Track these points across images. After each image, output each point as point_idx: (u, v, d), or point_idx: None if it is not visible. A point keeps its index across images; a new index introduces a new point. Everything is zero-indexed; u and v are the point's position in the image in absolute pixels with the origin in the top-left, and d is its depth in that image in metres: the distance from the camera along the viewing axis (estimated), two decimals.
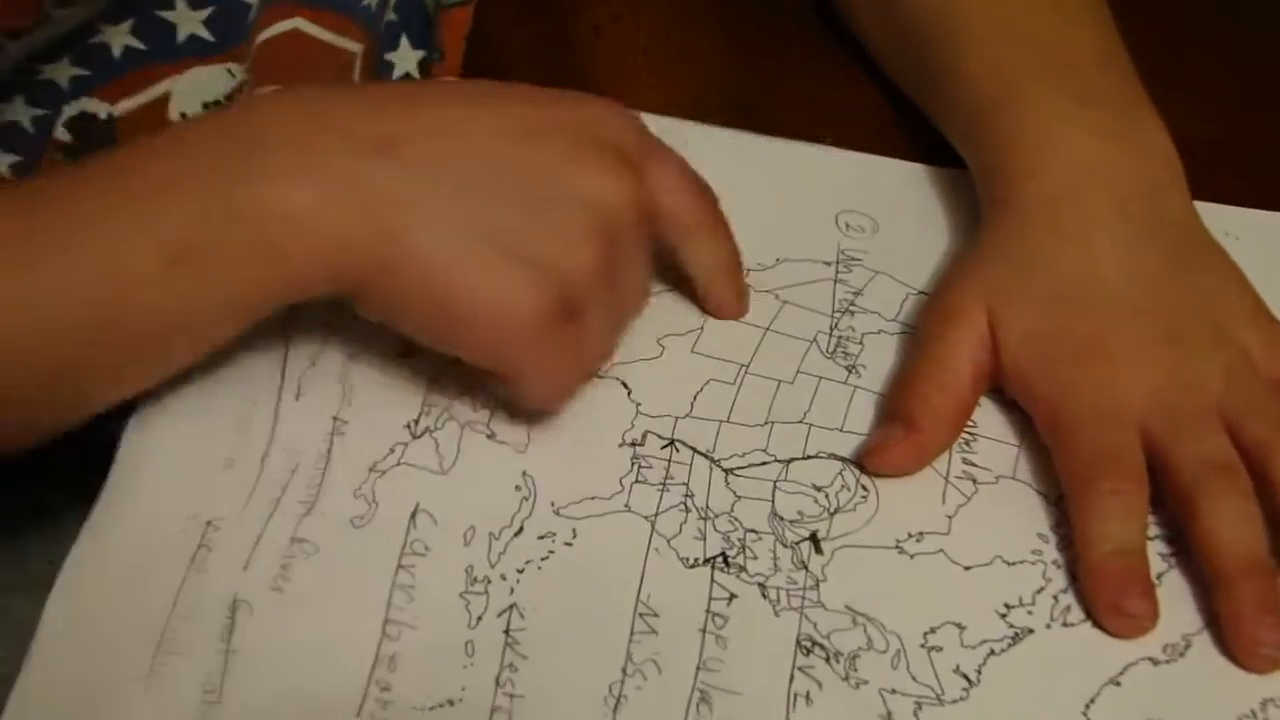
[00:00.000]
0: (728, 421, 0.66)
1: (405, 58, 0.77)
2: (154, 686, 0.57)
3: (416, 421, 0.65)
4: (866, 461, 0.64)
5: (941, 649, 0.60)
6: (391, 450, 0.64)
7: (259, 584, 0.60)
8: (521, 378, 0.60)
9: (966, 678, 0.59)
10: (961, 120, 0.73)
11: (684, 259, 0.66)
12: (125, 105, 0.69)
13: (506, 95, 0.60)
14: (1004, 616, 0.61)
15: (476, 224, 0.56)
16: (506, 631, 0.59)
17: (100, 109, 0.68)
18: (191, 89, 0.69)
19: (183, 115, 0.69)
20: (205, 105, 0.70)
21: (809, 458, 0.65)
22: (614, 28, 0.85)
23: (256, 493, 0.62)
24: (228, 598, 0.59)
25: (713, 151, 0.73)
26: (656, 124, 0.73)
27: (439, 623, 0.59)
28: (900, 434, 0.64)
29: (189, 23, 0.68)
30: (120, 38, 0.67)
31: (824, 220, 0.73)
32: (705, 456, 0.65)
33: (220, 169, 0.54)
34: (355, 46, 0.74)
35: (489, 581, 0.61)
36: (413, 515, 0.62)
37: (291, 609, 0.59)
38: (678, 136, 0.72)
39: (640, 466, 0.64)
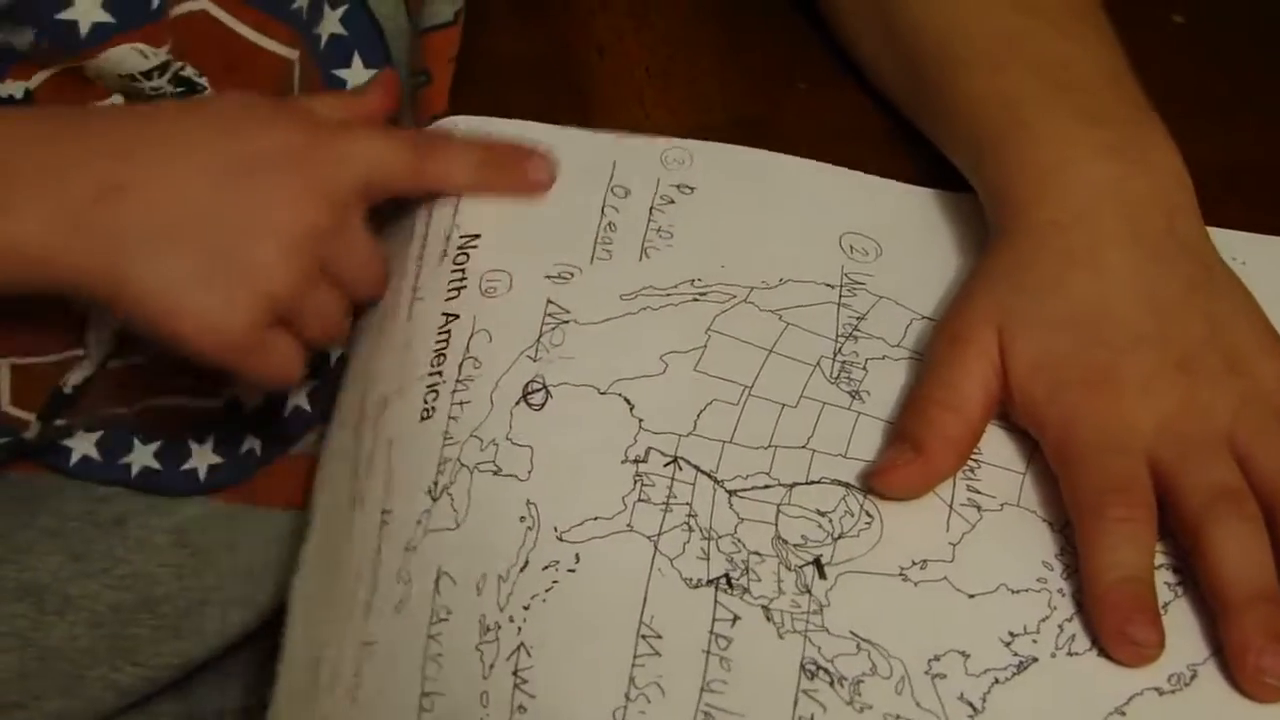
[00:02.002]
0: (731, 442, 0.66)
1: (358, 75, 0.77)
2: None
3: (435, 484, 0.64)
4: (874, 482, 0.64)
5: (946, 676, 0.60)
6: (419, 523, 0.64)
7: (339, 699, 0.61)
8: (241, 372, 0.67)
9: (971, 705, 0.59)
10: (967, 146, 0.73)
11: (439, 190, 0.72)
12: (40, 77, 0.70)
13: (216, 137, 0.67)
14: (1008, 645, 0.61)
15: (184, 265, 0.64)
16: (515, 673, 0.59)
17: (16, 89, 0.70)
18: (104, 67, 0.70)
19: (98, 76, 0.71)
20: (120, 77, 0.71)
21: (812, 483, 0.65)
22: (617, 47, 0.85)
23: (341, 612, 0.63)
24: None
25: (718, 168, 0.74)
26: (662, 144, 0.74)
27: (460, 681, 0.60)
28: (909, 456, 0.64)
29: (90, 12, 0.68)
30: (24, 38, 0.68)
31: (828, 242, 0.73)
32: (709, 476, 0.64)
33: None
34: (286, 52, 0.75)
35: (499, 627, 0.60)
36: (436, 581, 0.62)
37: (360, 709, 0.60)
38: (682, 154, 0.73)
39: (643, 485, 0.64)
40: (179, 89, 0.73)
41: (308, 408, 0.80)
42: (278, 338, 0.67)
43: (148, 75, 0.70)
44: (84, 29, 0.68)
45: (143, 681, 0.80)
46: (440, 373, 0.67)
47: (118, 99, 0.71)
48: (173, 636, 0.80)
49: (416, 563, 0.63)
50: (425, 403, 0.67)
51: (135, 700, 0.81)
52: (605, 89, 0.83)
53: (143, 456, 0.80)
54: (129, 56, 0.70)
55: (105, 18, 0.68)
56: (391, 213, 0.74)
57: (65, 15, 0.68)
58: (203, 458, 0.80)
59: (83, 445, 0.79)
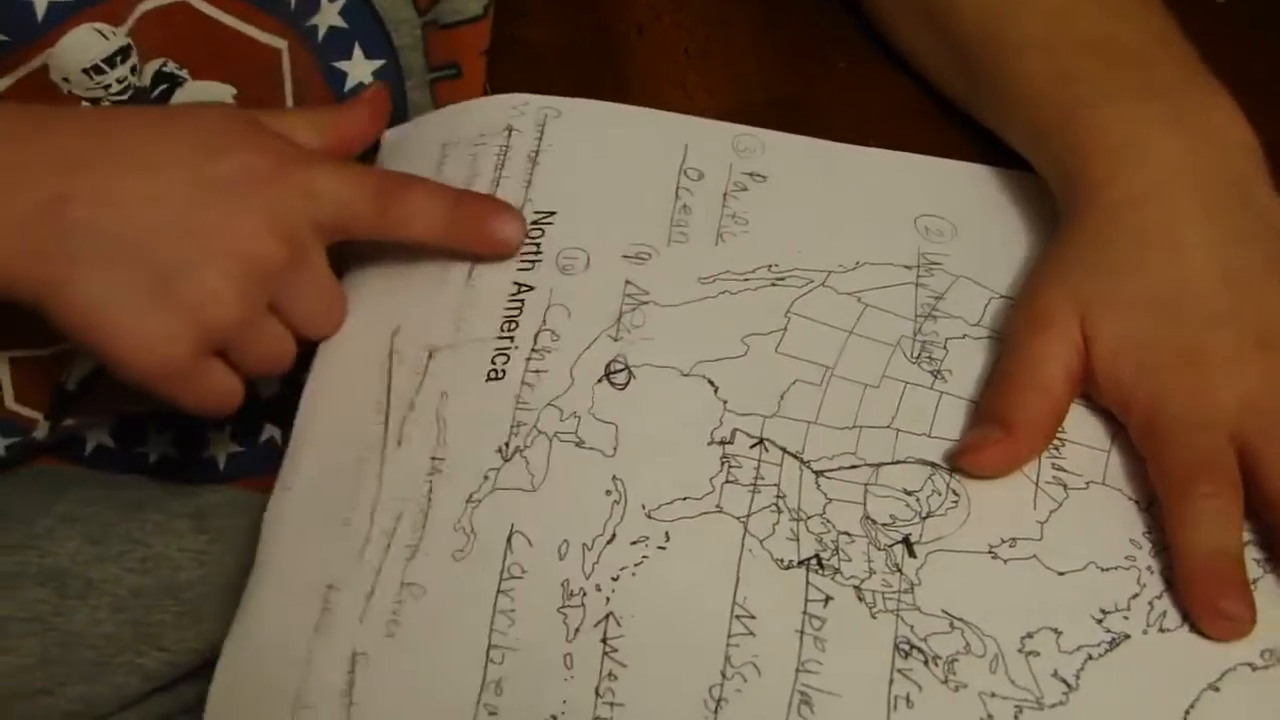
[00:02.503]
0: (815, 423, 0.66)
1: (359, 66, 0.78)
2: None
3: (507, 444, 0.65)
4: (961, 461, 0.64)
5: (1039, 654, 0.60)
6: (485, 478, 0.64)
7: (374, 634, 0.61)
8: (172, 399, 0.65)
9: (1065, 682, 0.59)
10: (1027, 130, 0.73)
11: (402, 240, 0.69)
12: (5, 83, 0.70)
13: (175, 155, 0.65)
14: (1100, 622, 0.61)
15: (125, 286, 0.62)
16: (604, 641, 0.60)
17: None
18: (65, 55, 0.70)
19: (65, 79, 0.71)
20: (85, 71, 0.71)
21: (898, 462, 0.65)
22: (655, 27, 0.85)
23: (368, 547, 0.63)
24: (347, 653, 0.60)
25: (789, 158, 0.74)
26: (734, 129, 0.74)
27: (538, 641, 0.60)
28: (997, 435, 0.64)
29: None
30: None
31: (903, 224, 0.73)
32: (795, 457, 0.65)
33: None
34: (276, 42, 0.75)
35: (585, 593, 0.61)
36: (508, 539, 0.62)
37: (403, 652, 0.60)
38: (754, 142, 0.73)
39: (730, 466, 0.64)
40: (160, 85, 0.73)
41: None
42: (214, 367, 0.65)
43: (110, 63, 0.70)
44: (40, 10, 0.69)
45: (167, 667, 0.80)
46: (512, 338, 0.68)
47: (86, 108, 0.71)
48: (196, 622, 0.80)
49: (482, 516, 0.63)
50: (494, 364, 0.67)
51: (161, 684, 0.81)
52: (644, 70, 0.83)
53: (160, 445, 0.81)
54: (89, 39, 0.70)
55: None
56: None
57: None
58: (221, 446, 0.81)
59: (97, 434, 0.80)
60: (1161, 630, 0.61)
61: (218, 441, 0.82)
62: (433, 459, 0.65)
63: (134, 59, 0.72)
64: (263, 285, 0.65)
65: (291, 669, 0.61)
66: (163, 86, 0.74)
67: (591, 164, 0.74)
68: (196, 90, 0.75)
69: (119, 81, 0.72)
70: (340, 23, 0.77)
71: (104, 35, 0.71)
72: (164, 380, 0.64)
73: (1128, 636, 0.61)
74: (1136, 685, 0.60)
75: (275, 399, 0.81)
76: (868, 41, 0.84)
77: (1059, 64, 0.72)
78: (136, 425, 0.80)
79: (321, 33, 0.76)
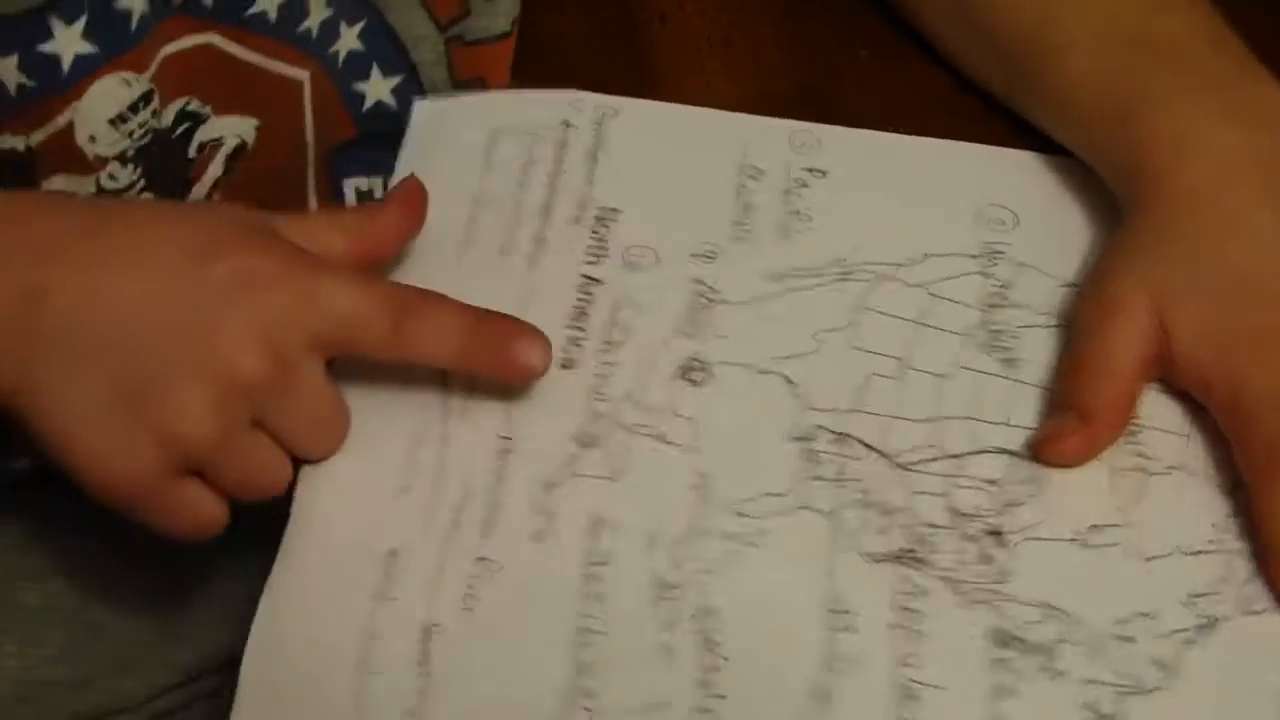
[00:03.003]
0: (895, 416, 0.66)
1: (377, 86, 0.77)
2: (362, 711, 0.57)
3: (584, 432, 0.64)
4: (1040, 452, 0.64)
5: (1135, 639, 0.60)
6: (563, 463, 0.63)
7: (449, 607, 0.60)
8: (145, 521, 0.60)
9: (1163, 666, 0.59)
10: (1080, 129, 0.73)
11: (415, 365, 0.64)
12: (37, 137, 0.69)
13: (167, 253, 0.60)
14: (1192, 606, 0.61)
15: (91, 397, 0.57)
16: (702, 634, 0.59)
17: (18, 142, 0.68)
18: (91, 109, 0.69)
19: (91, 139, 0.70)
20: (110, 122, 0.70)
21: (979, 452, 0.65)
22: (678, 16, 0.85)
23: (435, 518, 0.62)
24: (419, 623, 0.59)
25: (846, 151, 0.74)
26: (790, 125, 0.74)
27: (632, 629, 0.60)
28: (1075, 424, 0.64)
29: (70, 44, 0.66)
30: (10, 74, 0.66)
31: (964, 214, 0.72)
32: (877, 451, 0.64)
33: None
34: (298, 73, 0.75)
35: (677, 586, 0.61)
36: (592, 525, 0.62)
37: (484, 627, 0.60)
38: (810, 138, 0.73)
39: (814, 462, 0.64)
40: (183, 124, 0.73)
41: None
42: (186, 488, 0.60)
43: (134, 109, 0.69)
44: (66, 63, 0.67)
45: (196, 661, 0.80)
46: (582, 328, 0.67)
47: (115, 168, 0.71)
48: (224, 620, 0.79)
49: (561, 500, 0.62)
50: (565, 352, 0.66)
51: (192, 677, 0.81)
52: (667, 58, 0.83)
53: None
54: (116, 89, 0.69)
55: (88, 48, 0.66)
56: None
57: (47, 48, 0.66)
58: None
59: None
60: (1253, 613, 0.61)
61: None
62: (501, 437, 0.64)
63: (155, 103, 0.71)
64: (241, 402, 0.59)
65: (350, 633, 0.59)
66: (185, 125, 0.73)
67: (652, 162, 0.74)
68: (219, 125, 0.75)
69: (140, 126, 0.71)
70: (359, 45, 0.76)
71: (129, 83, 0.69)
72: (128, 500, 0.59)
73: (1220, 620, 0.61)
74: (1232, 668, 0.60)
75: None
76: (890, 30, 0.84)
77: (1111, 62, 0.72)
78: None
79: (341, 58, 0.76)
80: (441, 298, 0.63)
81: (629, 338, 0.67)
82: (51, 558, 0.79)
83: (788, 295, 0.69)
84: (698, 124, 0.75)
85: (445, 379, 0.65)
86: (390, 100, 0.78)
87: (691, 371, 0.66)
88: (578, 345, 0.67)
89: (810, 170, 0.74)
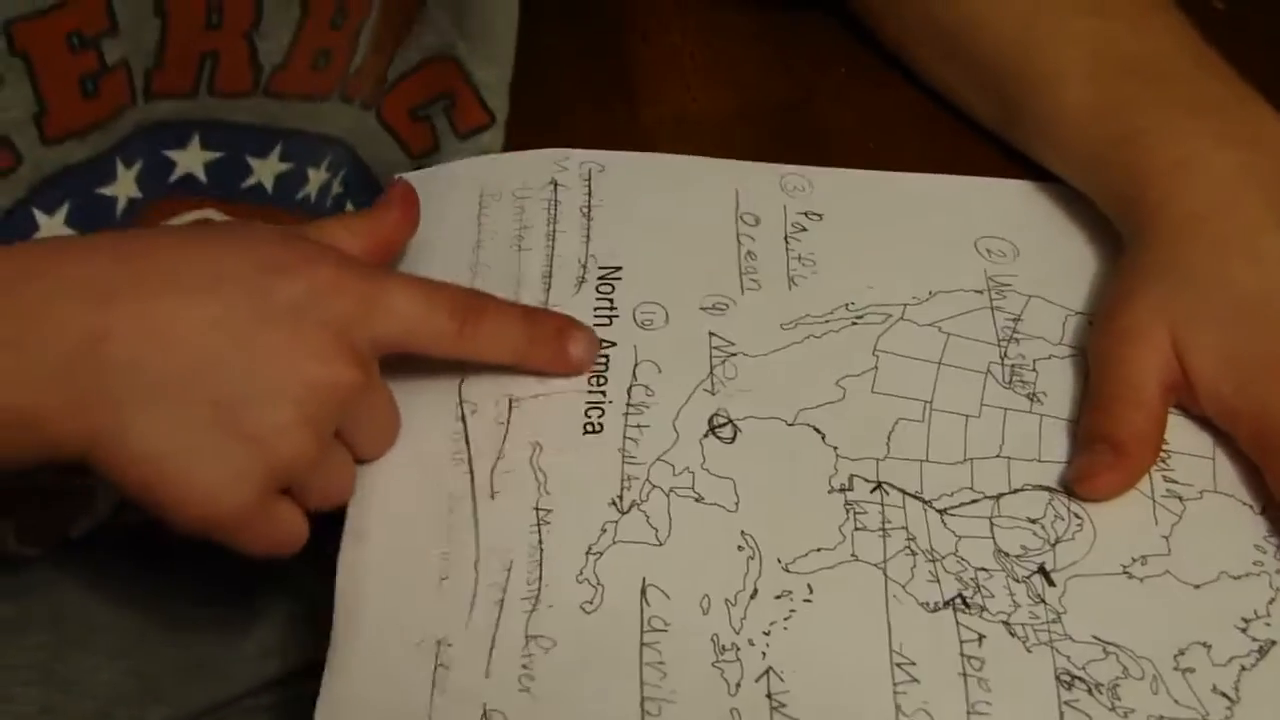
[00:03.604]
0: (927, 460, 0.65)
1: None
2: None
3: (620, 497, 0.63)
4: (1078, 488, 0.63)
5: (1195, 670, 0.59)
6: (604, 530, 0.62)
7: (505, 689, 0.58)
8: (237, 546, 0.59)
9: (1226, 696, 0.59)
10: (1076, 157, 0.73)
11: (474, 361, 0.65)
12: None
13: (228, 274, 0.59)
14: (1244, 630, 0.61)
15: (178, 429, 0.56)
16: (769, 696, 0.58)
17: None
18: None
19: None
20: None
21: (1016, 491, 0.64)
22: (660, 35, 0.85)
23: (478, 599, 0.60)
24: (478, 708, 0.58)
25: (839, 192, 0.74)
26: (779, 169, 0.73)
27: (699, 694, 0.58)
28: (1110, 458, 0.63)
29: (56, 231, 0.65)
30: None
31: (965, 249, 0.72)
32: (915, 498, 0.64)
33: None
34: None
35: (738, 648, 0.59)
36: (643, 592, 0.60)
37: (544, 706, 0.58)
38: (801, 180, 0.72)
39: (855, 513, 0.63)
40: None
41: None
42: (281, 508, 0.59)
43: None
44: None
45: (170, 717, 0.78)
46: (604, 393, 0.66)
47: None
48: (200, 676, 0.78)
49: (607, 568, 0.61)
50: (588, 417, 0.65)
51: None
52: (650, 75, 0.83)
53: None
54: None
55: (69, 234, 0.65)
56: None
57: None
58: None
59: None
60: None
61: None
62: (537, 509, 0.62)
63: None
64: (335, 413, 0.59)
65: None
66: None
67: (647, 216, 0.72)
68: None
69: None
70: (340, 189, 0.75)
71: None
72: (231, 529, 0.58)
73: (1275, 643, 0.60)
74: None
75: None
76: (866, 48, 0.84)
77: (1103, 91, 0.72)
78: None
79: (328, 206, 0.75)
80: (495, 298, 0.64)
81: (653, 399, 0.66)
82: (26, 612, 0.77)
83: (805, 343, 0.68)
84: (685, 173, 0.74)
85: (471, 460, 0.64)
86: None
87: (720, 428, 0.65)
88: (599, 409, 0.65)
89: (806, 214, 0.73)
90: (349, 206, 0.76)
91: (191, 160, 0.69)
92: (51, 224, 0.65)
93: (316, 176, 0.73)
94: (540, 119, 0.79)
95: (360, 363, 0.59)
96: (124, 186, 0.67)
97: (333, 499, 0.61)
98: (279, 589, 0.81)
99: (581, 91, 0.80)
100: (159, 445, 0.56)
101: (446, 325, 0.62)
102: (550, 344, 0.65)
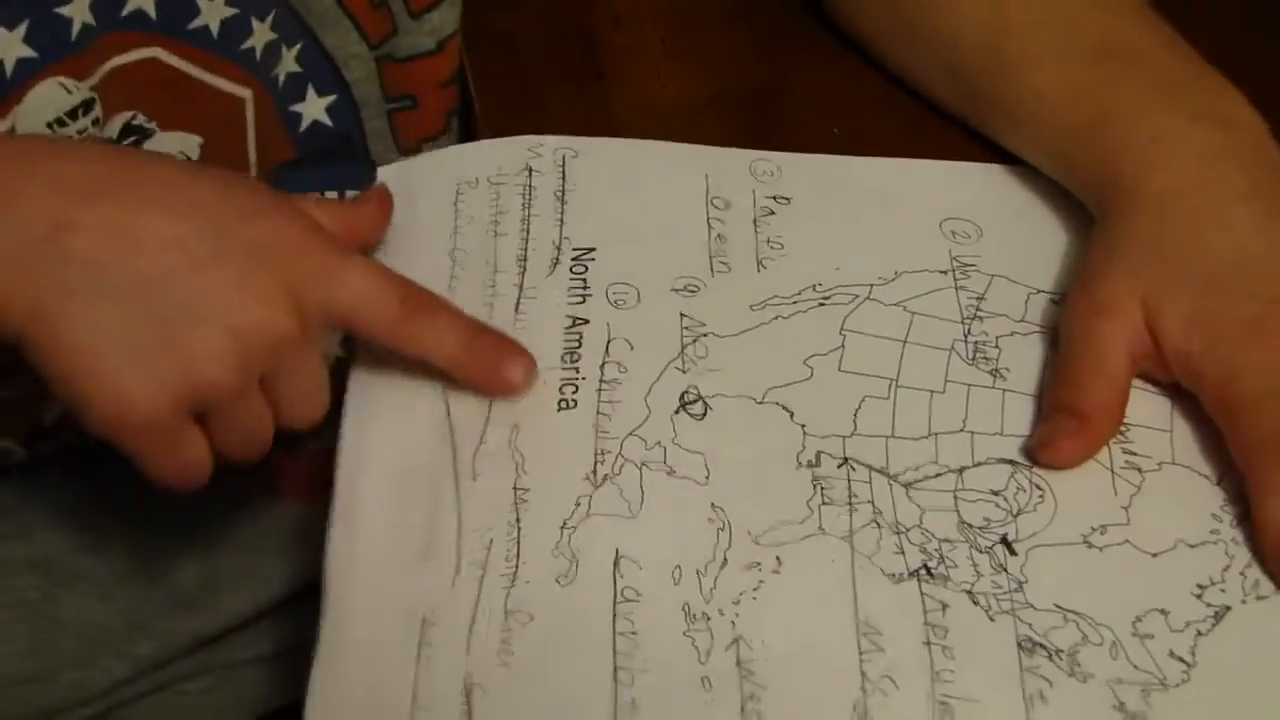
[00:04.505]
0: (892, 436, 0.65)
1: (313, 106, 0.77)
2: None
3: (594, 472, 0.63)
4: (1039, 455, 0.64)
5: (1153, 636, 0.60)
6: (578, 504, 0.62)
7: (486, 663, 0.58)
8: (140, 461, 0.60)
9: (1183, 660, 0.59)
10: (1044, 138, 0.73)
11: (410, 356, 0.65)
12: None
13: (205, 206, 0.60)
14: (1200, 597, 0.61)
15: (118, 328, 0.57)
16: (738, 664, 0.58)
17: None
18: (30, 113, 0.68)
19: None
20: (49, 125, 0.69)
21: (979, 464, 0.65)
22: (631, 20, 0.85)
23: (460, 577, 0.61)
24: (459, 683, 0.58)
25: (807, 177, 0.74)
26: (748, 155, 0.74)
27: (669, 663, 0.58)
28: (1071, 425, 0.64)
29: (12, 48, 0.67)
30: None
31: (930, 230, 0.73)
32: (881, 473, 0.64)
33: None
34: (241, 91, 0.74)
35: (708, 617, 0.60)
36: (615, 563, 0.61)
37: (523, 678, 0.58)
38: (772, 166, 0.73)
39: (823, 488, 0.63)
40: (130, 137, 0.72)
41: None
42: (189, 435, 0.60)
43: (72, 115, 0.69)
44: (9, 67, 0.67)
45: (158, 652, 0.80)
46: (577, 369, 0.66)
47: None
48: (185, 610, 0.80)
49: (581, 540, 0.61)
50: (563, 394, 0.66)
51: (155, 666, 0.81)
52: (621, 60, 0.83)
53: None
54: (54, 93, 0.68)
55: (28, 52, 0.67)
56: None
57: None
58: None
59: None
60: (1259, 599, 0.61)
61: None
62: (515, 489, 0.63)
63: (96, 111, 0.70)
64: (264, 356, 0.60)
65: (397, 701, 0.58)
66: (131, 139, 0.72)
67: (620, 200, 0.73)
68: (164, 141, 0.74)
69: (79, 133, 0.70)
70: (296, 68, 0.76)
71: (68, 90, 0.69)
72: (136, 437, 0.58)
73: (1229, 608, 0.61)
74: (1248, 653, 0.60)
75: None
76: (835, 37, 0.84)
77: (1074, 74, 0.72)
78: None
79: (282, 80, 0.76)
80: (449, 304, 0.65)
81: (625, 375, 0.66)
82: (17, 553, 0.79)
83: (773, 323, 0.69)
84: (657, 158, 0.75)
85: (454, 444, 0.64)
86: (326, 119, 0.78)
87: (690, 405, 0.66)
88: (574, 386, 0.66)
89: (774, 198, 0.73)
90: (310, 88, 0.76)
91: None
92: (10, 38, 0.66)
93: (262, 31, 0.73)
94: (512, 104, 0.79)
95: (301, 319, 0.60)
96: (78, 10, 0.67)
97: (243, 446, 0.62)
98: (258, 525, 0.83)
99: (553, 76, 0.80)
100: (93, 338, 0.57)
101: (393, 311, 0.62)
102: (489, 359, 0.65)
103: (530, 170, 0.73)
